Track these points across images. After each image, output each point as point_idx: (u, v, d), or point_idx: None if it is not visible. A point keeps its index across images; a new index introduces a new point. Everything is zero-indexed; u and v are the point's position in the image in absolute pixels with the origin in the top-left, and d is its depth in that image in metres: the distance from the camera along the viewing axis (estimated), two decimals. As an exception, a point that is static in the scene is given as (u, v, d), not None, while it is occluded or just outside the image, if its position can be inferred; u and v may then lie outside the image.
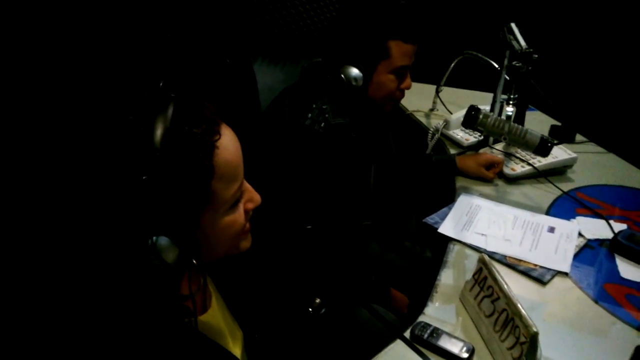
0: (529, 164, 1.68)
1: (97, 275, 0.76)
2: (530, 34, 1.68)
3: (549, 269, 1.26)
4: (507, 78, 1.72)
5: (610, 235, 1.40)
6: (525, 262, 1.29)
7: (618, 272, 1.29)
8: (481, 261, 1.12)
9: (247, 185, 0.85)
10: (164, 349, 0.76)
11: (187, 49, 1.78)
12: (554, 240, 1.37)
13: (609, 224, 1.45)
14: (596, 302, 1.19)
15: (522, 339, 0.94)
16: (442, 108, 2.22)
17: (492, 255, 1.31)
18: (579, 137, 2.02)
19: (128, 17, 1.60)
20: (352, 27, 1.46)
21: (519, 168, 1.69)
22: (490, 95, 1.75)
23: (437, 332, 1.04)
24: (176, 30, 1.76)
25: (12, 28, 1.24)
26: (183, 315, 0.78)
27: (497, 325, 1.01)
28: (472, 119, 1.46)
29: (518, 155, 1.74)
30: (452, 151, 1.92)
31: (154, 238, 0.70)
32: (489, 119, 1.46)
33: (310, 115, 1.41)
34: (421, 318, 1.11)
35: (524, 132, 1.45)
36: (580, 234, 1.41)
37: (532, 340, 0.92)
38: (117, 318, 0.75)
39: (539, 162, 1.68)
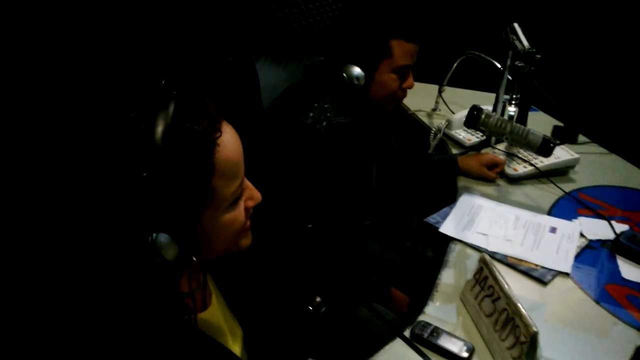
0: (531, 164, 1.68)
1: (97, 271, 0.76)
2: (533, 34, 1.67)
3: (550, 269, 1.26)
4: (510, 78, 1.72)
5: (612, 236, 1.40)
6: (526, 262, 1.29)
7: (619, 273, 1.29)
8: (482, 261, 1.11)
9: (247, 183, 0.85)
10: (164, 346, 0.76)
11: (189, 47, 1.79)
12: (556, 241, 1.37)
13: (611, 225, 1.44)
14: (597, 302, 1.19)
15: (522, 339, 0.94)
16: (445, 108, 2.22)
17: (493, 255, 1.30)
18: (581, 138, 2.02)
19: (131, 15, 1.60)
20: (355, 26, 1.46)
21: (521, 168, 1.68)
22: (492, 96, 1.75)
23: (437, 332, 1.04)
24: (179, 29, 1.76)
25: (14, 25, 1.24)
26: (183, 312, 0.78)
27: (498, 325, 1.01)
28: (474, 118, 1.46)
29: (520, 155, 1.73)
30: (454, 151, 1.92)
31: (154, 235, 0.70)
32: (491, 119, 1.45)
33: (312, 114, 1.41)
34: (421, 317, 1.11)
35: (526, 132, 1.45)
36: (581, 235, 1.40)
37: (532, 340, 0.92)
38: (116, 315, 0.75)
39: (541, 162, 1.67)
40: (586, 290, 1.22)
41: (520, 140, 1.46)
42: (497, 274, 1.06)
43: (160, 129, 0.70)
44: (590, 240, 1.39)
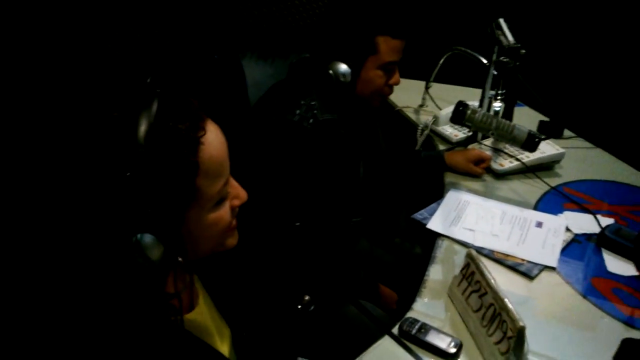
0: (517, 160, 1.69)
1: (81, 272, 0.75)
2: (519, 29, 1.68)
3: (536, 264, 1.27)
4: (496, 73, 1.72)
5: (597, 230, 1.41)
6: (512, 257, 1.30)
7: (605, 267, 1.30)
8: (469, 256, 1.12)
9: (233, 182, 0.84)
10: (149, 347, 0.75)
11: (174, 44, 1.77)
12: (542, 235, 1.37)
13: (596, 219, 1.46)
14: (584, 296, 1.20)
15: (510, 334, 0.94)
16: (432, 104, 2.22)
17: (480, 250, 1.31)
18: (566, 133, 2.03)
19: (115, 14, 1.58)
20: (341, 22, 1.45)
21: (507, 163, 1.69)
22: (479, 91, 1.76)
23: (425, 328, 1.05)
24: (163, 26, 1.75)
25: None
26: (169, 313, 0.78)
27: (485, 320, 1.02)
28: (460, 114, 1.47)
29: (506, 150, 1.74)
30: (441, 147, 1.93)
31: (138, 235, 0.69)
32: (477, 115, 1.46)
33: (298, 111, 1.40)
34: (410, 314, 1.11)
35: (511, 127, 1.46)
36: (567, 229, 1.41)
37: (519, 335, 0.92)
38: (100, 316, 0.74)
39: (527, 157, 1.68)
40: (572, 284, 1.23)
41: (506, 135, 1.47)
42: (484, 269, 1.06)
43: (143, 128, 0.69)
44: (576, 234, 1.40)
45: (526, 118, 2.03)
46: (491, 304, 1.01)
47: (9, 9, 1.28)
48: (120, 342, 0.74)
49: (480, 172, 1.69)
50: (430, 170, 1.75)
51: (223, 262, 0.98)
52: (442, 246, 1.35)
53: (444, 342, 1.02)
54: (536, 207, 1.53)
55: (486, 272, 1.05)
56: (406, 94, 2.23)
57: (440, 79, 2.23)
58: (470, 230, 1.39)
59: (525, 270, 1.25)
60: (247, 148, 1.45)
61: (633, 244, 1.30)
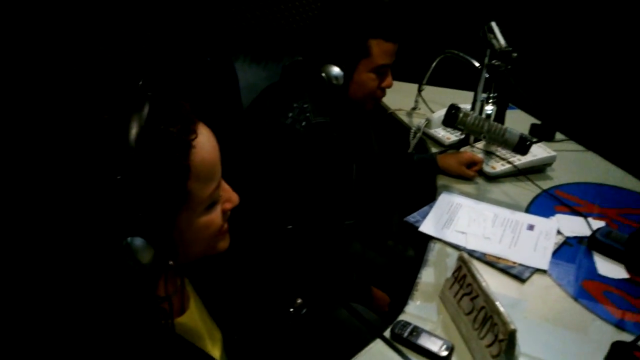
0: (509, 162, 1.70)
1: (70, 275, 0.75)
2: (511, 32, 1.69)
3: (527, 267, 1.27)
4: (488, 76, 1.73)
5: (588, 233, 1.41)
6: (504, 259, 1.30)
7: (596, 270, 1.30)
8: (460, 259, 1.12)
9: (224, 185, 0.84)
10: (139, 350, 0.75)
11: (167, 47, 1.77)
12: (533, 238, 1.38)
13: (587, 222, 1.46)
14: (575, 299, 1.20)
15: (501, 337, 0.94)
16: (424, 107, 2.23)
17: (471, 253, 1.31)
18: (558, 136, 2.04)
19: (108, 16, 1.58)
20: (333, 25, 1.45)
21: (499, 166, 1.70)
22: (471, 94, 1.76)
23: (417, 331, 1.05)
24: (156, 29, 1.75)
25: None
26: (159, 317, 0.77)
27: (476, 323, 1.02)
28: (452, 117, 1.47)
29: (498, 153, 1.75)
30: (434, 150, 1.93)
31: (129, 239, 0.69)
32: (469, 118, 1.46)
33: (291, 114, 1.40)
34: (402, 317, 1.11)
35: (503, 130, 1.46)
36: (559, 232, 1.42)
37: (511, 338, 0.93)
38: (90, 319, 0.74)
39: (519, 160, 1.69)
40: (564, 287, 1.23)
41: (498, 138, 1.47)
42: (476, 272, 1.06)
43: (134, 131, 0.69)
44: (567, 237, 1.41)
45: (518, 121, 2.04)
46: (483, 307, 1.01)
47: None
48: (110, 345, 0.73)
49: (472, 175, 1.69)
50: (422, 173, 1.75)
51: (214, 265, 0.98)
52: (435, 249, 1.35)
53: (435, 345, 1.02)
54: (528, 210, 1.54)
55: (478, 275, 1.05)
56: (399, 97, 2.23)
57: (433, 82, 2.24)
58: (462, 233, 1.39)
59: (517, 273, 1.25)
60: (239, 150, 1.45)
61: (624, 247, 1.31)
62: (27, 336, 0.83)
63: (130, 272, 0.71)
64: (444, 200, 1.55)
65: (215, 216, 0.81)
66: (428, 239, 1.39)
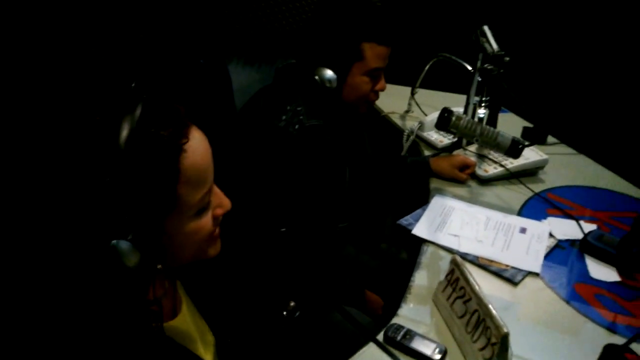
0: (501, 166, 1.70)
1: (56, 276, 0.74)
2: (503, 36, 1.70)
3: (520, 270, 1.28)
4: (480, 80, 1.74)
5: (580, 236, 1.42)
6: (497, 262, 1.30)
7: (588, 272, 1.31)
8: (453, 262, 1.12)
9: (216, 190, 0.83)
10: (127, 352, 0.74)
11: (160, 49, 1.76)
12: (526, 241, 1.38)
13: (579, 225, 1.47)
14: (567, 302, 1.21)
15: (493, 340, 0.95)
16: (417, 110, 2.23)
17: (464, 256, 1.32)
18: (550, 139, 2.05)
19: (101, 18, 1.57)
20: (326, 28, 1.45)
21: (491, 169, 1.70)
22: (464, 97, 1.77)
23: (410, 334, 1.05)
24: (149, 31, 1.74)
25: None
26: (149, 319, 0.77)
27: (469, 326, 1.02)
28: (445, 121, 1.47)
29: (491, 156, 1.75)
30: (427, 153, 1.94)
31: (115, 241, 0.69)
32: (462, 121, 1.47)
33: (284, 117, 1.40)
34: (395, 320, 1.11)
35: (495, 134, 1.47)
36: (551, 235, 1.43)
37: (503, 341, 0.93)
38: (78, 320, 0.73)
39: (511, 163, 1.70)
40: (556, 290, 1.24)
41: (490, 142, 1.48)
42: (468, 275, 1.07)
43: (124, 133, 0.69)
44: (560, 240, 1.41)
45: (510, 124, 2.05)
46: (475, 310, 1.01)
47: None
48: (98, 347, 0.73)
49: (465, 178, 1.70)
50: (415, 176, 1.76)
51: (207, 268, 0.97)
52: (427, 252, 1.35)
53: (428, 349, 1.02)
54: (520, 213, 1.54)
55: (470, 278, 1.06)
56: (392, 100, 2.24)
57: (426, 85, 2.24)
58: (455, 236, 1.39)
59: (510, 276, 1.26)
60: (233, 153, 1.44)
61: (615, 250, 1.32)
62: (13, 336, 0.82)
63: (117, 275, 0.70)
64: (437, 203, 1.55)
65: (206, 221, 0.80)
66: (421, 241, 1.39)
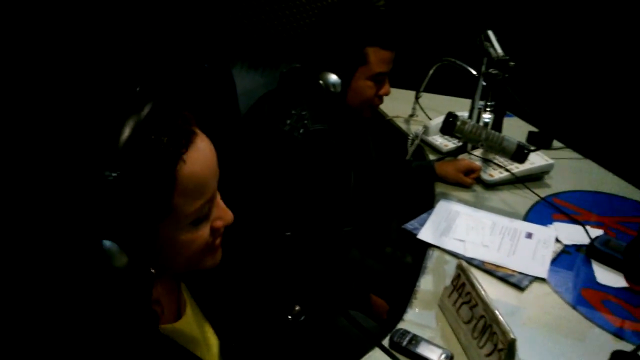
0: (507, 170, 1.70)
1: (46, 274, 0.74)
2: (508, 40, 1.69)
3: (526, 275, 1.27)
4: (485, 84, 1.73)
5: (586, 241, 1.41)
6: (503, 267, 1.30)
7: (595, 278, 1.30)
8: (459, 267, 1.12)
9: (219, 203, 0.81)
10: (122, 353, 0.74)
11: (165, 53, 1.77)
12: (532, 246, 1.38)
13: (586, 230, 1.46)
14: (573, 307, 1.20)
15: (500, 346, 0.94)
16: (422, 114, 2.23)
17: (470, 261, 1.31)
18: (555, 143, 2.04)
19: (107, 21, 1.58)
20: (331, 33, 1.46)
21: (496, 174, 1.70)
22: (469, 101, 1.76)
23: (416, 339, 1.04)
24: (154, 35, 1.75)
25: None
26: (146, 320, 0.76)
27: (476, 332, 1.01)
28: (450, 125, 1.47)
29: (496, 161, 1.75)
30: (432, 157, 1.93)
31: (104, 241, 0.69)
32: (467, 126, 1.46)
33: (289, 121, 1.40)
34: (401, 325, 1.11)
35: (500, 139, 1.46)
36: (557, 240, 1.42)
37: (510, 347, 0.92)
38: (73, 320, 0.73)
39: (517, 168, 1.69)
40: (562, 295, 1.23)
41: (495, 146, 1.47)
42: (475, 280, 1.06)
43: (123, 135, 0.68)
44: (566, 245, 1.41)
45: (515, 129, 2.04)
46: (482, 316, 1.01)
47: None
48: (94, 347, 0.72)
49: (470, 183, 1.69)
50: (420, 180, 1.75)
51: (212, 271, 0.97)
52: (433, 256, 1.35)
53: (435, 354, 1.01)
54: (526, 218, 1.53)
55: (477, 284, 1.05)
56: (396, 104, 2.24)
57: (431, 89, 2.24)
58: (461, 240, 1.39)
59: (516, 282, 1.25)
60: (237, 157, 1.44)
61: (622, 256, 1.31)
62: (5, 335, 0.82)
63: (106, 274, 0.70)
64: (442, 208, 1.54)
65: (202, 233, 0.78)
66: (426, 246, 1.38)
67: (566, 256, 1.38)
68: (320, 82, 1.42)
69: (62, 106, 1.24)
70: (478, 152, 1.82)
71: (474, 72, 1.85)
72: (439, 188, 1.69)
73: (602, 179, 1.81)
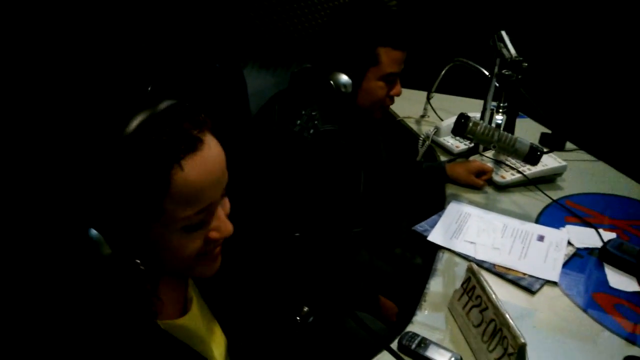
0: (519, 172, 1.68)
1: (39, 265, 0.75)
2: (521, 41, 1.68)
3: (538, 278, 1.26)
4: (497, 86, 1.72)
5: (599, 244, 1.40)
6: (514, 270, 1.28)
7: (607, 282, 1.29)
8: (470, 270, 1.11)
9: (220, 214, 0.79)
10: (118, 346, 0.74)
11: (176, 53, 1.77)
12: (543, 249, 1.36)
13: (598, 233, 1.45)
14: (585, 311, 1.19)
15: (510, 350, 0.93)
16: (433, 115, 2.21)
17: (481, 263, 1.30)
18: (569, 145, 2.03)
19: (116, 22, 1.59)
20: (342, 33, 1.45)
21: (508, 176, 1.68)
22: (481, 102, 1.75)
23: (425, 342, 1.03)
24: (166, 35, 1.75)
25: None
26: (143, 315, 0.77)
27: (486, 336, 1.01)
28: (461, 127, 1.46)
29: (508, 163, 1.73)
30: (443, 158, 1.92)
31: (90, 229, 0.70)
32: (479, 127, 1.45)
33: (299, 121, 1.40)
34: (410, 327, 1.10)
35: (513, 140, 1.45)
36: (569, 243, 1.40)
37: (520, 352, 0.91)
38: (67, 312, 0.74)
39: (529, 170, 1.67)
40: (574, 299, 1.22)
41: (508, 148, 1.46)
42: (485, 283, 1.05)
43: (126, 130, 0.69)
44: (578, 249, 1.39)
45: (528, 130, 2.03)
46: (492, 320, 1.00)
47: (11, 10, 1.29)
48: (89, 340, 0.73)
49: (481, 184, 1.68)
50: (431, 182, 1.74)
51: (221, 271, 0.97)
52: (443, 259, 1.34)
53: (444, 358, 1.00)
54: (537, 221, 1.52)
55: (487, 287, 1.04)
56: (408, 104, 2.23)
57: (442, 90, 2.23)
58: (471, 243, 1.38)
59: (527, 285, 1.24)
60: (247, 157, 1.44)
61: (635, 260, 1.29)
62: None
63: (95, 264, 0.71)
64: (453, 210, 1.53)
65: (194, 240, 0.77)
66: (436, 248, 1.38)
67: (578, 259, 1.36)
68: (331, 82, 1.41)
69: (69, 103, 1.25)
70: (490, 153, 1.81)
71: (487, 73, 1.83)
72: (450, 189, 1.68)
73: (616, 182, 1.79)
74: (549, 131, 2.08)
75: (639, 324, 1.16)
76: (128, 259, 0.74)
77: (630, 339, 1.11)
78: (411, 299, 1.23)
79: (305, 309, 1.11)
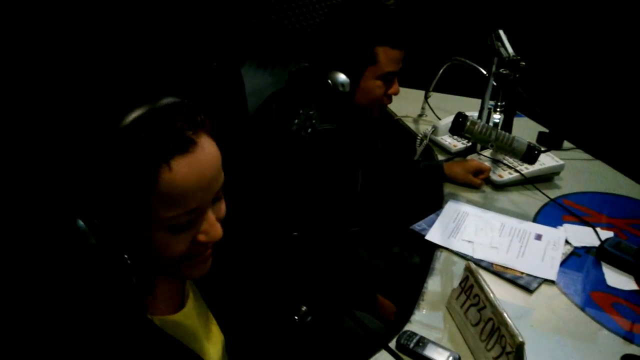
0: (517, 171, 1.68)
1: (28, 256, 0.75)
2: (519, 40, 1.68)
3: (535, 277, 1.26)
4: (495, 84, 1.72)
5: (597, 243, 1.40)
6: (511, 269, 1.28)
7: (605, 280, 1.29)
8: (467, 269, 1.11)
9: (210, 217, 0.78)
10: (106, 340, 0.74)
11: (174, 52, 1.77)
12: (541, 248, 1.36)
13: (596, 232, 1.45)
14: (583, 310, 1.19)
15: (508, 349, 0.93)
16: (431, 114, 2.22)
17: (478, 262, 1.30)
18: (566, 144, 2.03)
19: (114, 22, 1.58)
20: (340, 32, 1.45)
21: (506, 175, 1.68)
22: (478, 101, 1.75)
23: (423, 342, 1.03)
24: (163, 34, 1.75)
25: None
26: (131, 309, 0.77)
27: (484, 335, 1.01)
28: (459, 126, 1.46)
29: (505, 162, 1.73)
30: (440, 157, 1.92)
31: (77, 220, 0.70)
32: (476, 127, 1.45)
33: (297, 120, 1.40)
34: (408, 326, 1.10)
35: (510, 139, 1.45)
36: (567, 242, 1.40)
37: (518, 351, 0.91)
38: (55, 306, 0.74)
39: (526, 169, 1.68)
40: (572, 298, 1.22)
41: (505, 147, 1.46)
42: (483, 282, 1.05)
43: (118, 124, 0.69)
44: (576, 247, 1.39)
45: (525, 129, 2.03)
46: (490, 318, 1.00)
47: (11, 10, 1.28)
48: (75, 334, 0.73)
49: (479, 183, 1.68)
50: (429, 181, 1.74)
51: (219, 269, 0.96)
52: (441, 258, 1.34)
53: (442, 357, 1.00)
54: (535, 219, 1.52)
55: (485, 286, 1.04)
56: (406, 104, 2.23)
57: (440, 89, 2.23)
58: (469, 242, 1.38)
59: (525, 284, 1.24)
60: (245, 156, 1.44)
61: (633, 258, 1.30)
62: None
63: (80, 255, 0.71)
64: (451, 209, 1.53)
65: (179, 241, 0.76)
66: (434, 247, 1.38)
67: (576, 258, 1.36)
68: (329, 81, 1.41)
69: (65, 99, 1.25)
70: (487, 152, 1.81)
71: (485, 72, 1.83)
72: (448, 189, 1.68)
73: (613, 181, 1.80)
74: (546, 130, 2.08)
75: (636, 323, 1.16)
76: (114, 252, 0.73)
77: (628, 338, 1.11)
78: (409, 298, 1.23)
79: (304, 308, 1.11)
